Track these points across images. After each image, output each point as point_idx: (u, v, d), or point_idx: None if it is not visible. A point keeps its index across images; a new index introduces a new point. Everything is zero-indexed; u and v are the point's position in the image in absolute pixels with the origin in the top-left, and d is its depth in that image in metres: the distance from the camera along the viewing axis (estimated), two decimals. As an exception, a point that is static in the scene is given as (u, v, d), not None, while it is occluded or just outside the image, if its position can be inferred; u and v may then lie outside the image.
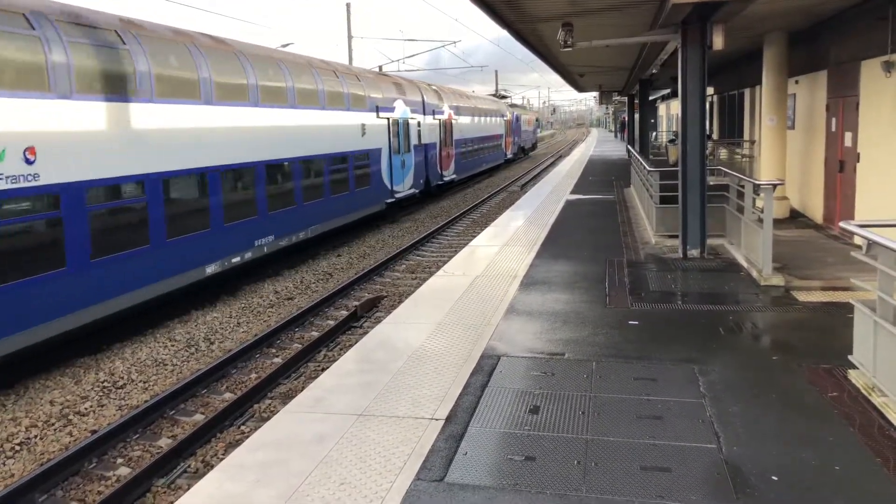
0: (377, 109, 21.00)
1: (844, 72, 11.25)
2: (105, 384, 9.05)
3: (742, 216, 9.62)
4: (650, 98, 31.78)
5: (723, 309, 7.51)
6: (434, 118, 27.57)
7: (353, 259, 16.80)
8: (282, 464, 4.39)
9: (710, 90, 25.83)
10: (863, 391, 5.14)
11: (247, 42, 15.45)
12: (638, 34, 12.07)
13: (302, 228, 16.27)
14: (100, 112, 10.44)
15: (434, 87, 29.58)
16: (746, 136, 19.71)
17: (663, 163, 21.73)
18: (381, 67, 34.63)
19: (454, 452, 4.47)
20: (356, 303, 12.32)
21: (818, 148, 12.67)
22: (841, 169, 11.44)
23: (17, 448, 7.42)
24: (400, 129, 23.15)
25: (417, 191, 25.12)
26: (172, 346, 10.50)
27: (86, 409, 8.35)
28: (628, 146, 30.45)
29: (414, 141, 24.70)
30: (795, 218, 13.52)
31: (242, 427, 7.78)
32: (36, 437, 7.67)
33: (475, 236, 13.94)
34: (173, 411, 8.23)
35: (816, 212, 12.84)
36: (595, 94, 48.76)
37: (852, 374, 5.42)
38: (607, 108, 79.57)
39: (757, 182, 9.22)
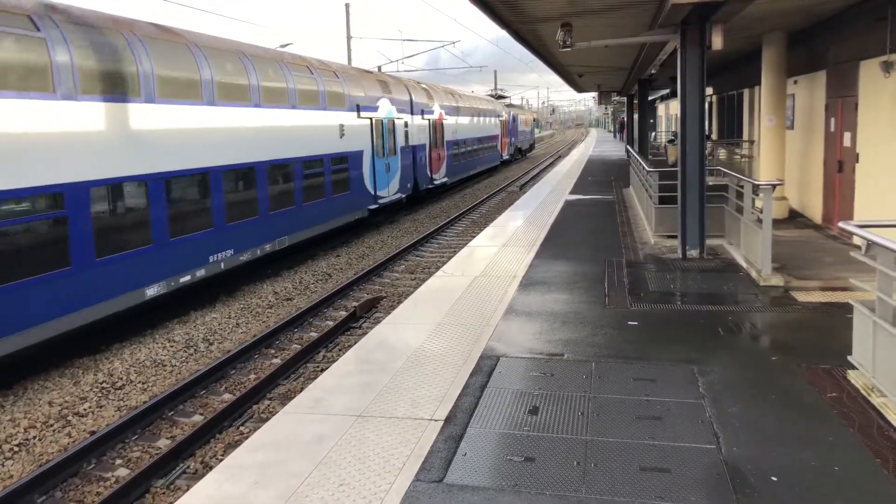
0: (358, 109, 19.76)
1: (843, 72, 11.25)
2: (104, 385, 9.04)
3: (741, 216, 9.62)
4: (649, 98, 31.78)
5: (722, 309, 7.51)
6: (423, 118, 26.39)
7: (352, 259, 16.80)
8: (281, 465, 4.39)
9: (709, 90, 25.84)
10: (862, 391, 5.14)
11: (204, 33, 13.92)
12: (637, 34, 12.07)
13: (268, 240, 14.83)
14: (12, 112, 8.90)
15: (423, 86, 28.47)
16: (745, 136, 19.72)
17: (662, 163, 21.72)
18: (380, 67, 34.60)
19: (453, 453, 4.46)
20: (355, 303, 12.31)
21: (817, 148, 12.67)
22: (840, 169, 11.44)
23: (16, 449, 7.41)
24: (385, 130, 21.95)
25: (404, 196, 23.86)
26: (171, 346, 10.49)
27: (84, 410, 8.34)
28: (627, 146, 30.46)
29: (401, 142, 23.49)
30: (794, 218, 13.52)
31: (241, 428, 7.77)
32: (34, 438, 7.66)
33: (474, 236, 13.94)
34: (172, 412, 8.22)
35: (815, 212, 12.85)
36: (594, 94, 48.75)
37: (851, 375, 5.42)
38: (606, 108, 79.61)
39: (756, 182, 9.22)
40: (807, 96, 13.44)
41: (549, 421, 4.90)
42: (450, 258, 11.50)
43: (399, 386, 5.60)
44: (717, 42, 9.72)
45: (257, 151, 14.54)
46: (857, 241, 7.16)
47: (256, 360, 9.87)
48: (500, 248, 11.61)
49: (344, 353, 6.79)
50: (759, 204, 8.88)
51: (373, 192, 20.86)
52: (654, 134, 39.37)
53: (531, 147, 65.97)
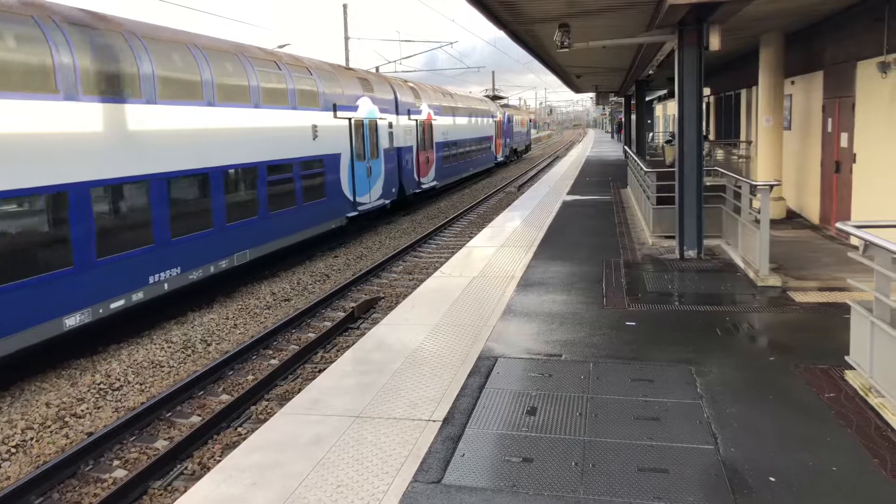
0: (335, 108, 18.19)
1: (841, 72, 11.27)
2: (101, 386, 9.03)
3: (739, 217, 9.64)
4: (647, 99, 31.84)
5: (720, 310, 7.52)
6: (410, 118, 24.78)
7: (350, 260, 16.79)
8: (278, 466, 4.39)
9: (706, 91, 25.87)
10: (860, 392, 5.15)
11: (146, 22, 12.23)
12: (635, 35, 12.08)
13: (224, 256, 13.32)
14: None
15: (410, 84, 26.99)
16: (743, 136, 19.75)
17: (660, 163, 21.73)
18: (377, 68, 34.63)
19: (451, 454, 4.46)
20: (353, 304, 12.31)
21: (814, 148, 12.70)
22: (837, 169, 11.46)
23: (13, 450, 7.40)
24: (366, 131, 20.27)
25: (388, 201, 22.27)
26: (169, 347, 10.48)
27: (82, 411, 8.33)
28: (625, 147, 30.43)
29: (384, 144, 21.90)
30: (792, 218, 13.54)
31: (239, 429, 7.76)
32: (32, 439, 7.64)
33: (472, 237, 13.93)
34: (170, 413, 8.21)
35: (813, 212, 12.87)
36: (592, 94, 48.76)
37: (849, 375, 5.43)
38: (604, 108, 79.78)
39: (753, 183, 9.23)
40: (804, 97, 13.46)
41: (547, 421, 4.90)
42: (448, 259, 11.51)
43: (397, 387, 5.60)
44: (715, 43, 9.74)
45: (211, 156, 12.96)
46: (854, 241, 7.18)
47: (254, 361, 9.86)
48: (498, 248, 11.61)
49: (342, 354, 6.79)
50: (756, 204, 8.89)
51: (352, 199, 19.29)
52: (651, 134, 39.45)
53: (527, 148, 65.00)
